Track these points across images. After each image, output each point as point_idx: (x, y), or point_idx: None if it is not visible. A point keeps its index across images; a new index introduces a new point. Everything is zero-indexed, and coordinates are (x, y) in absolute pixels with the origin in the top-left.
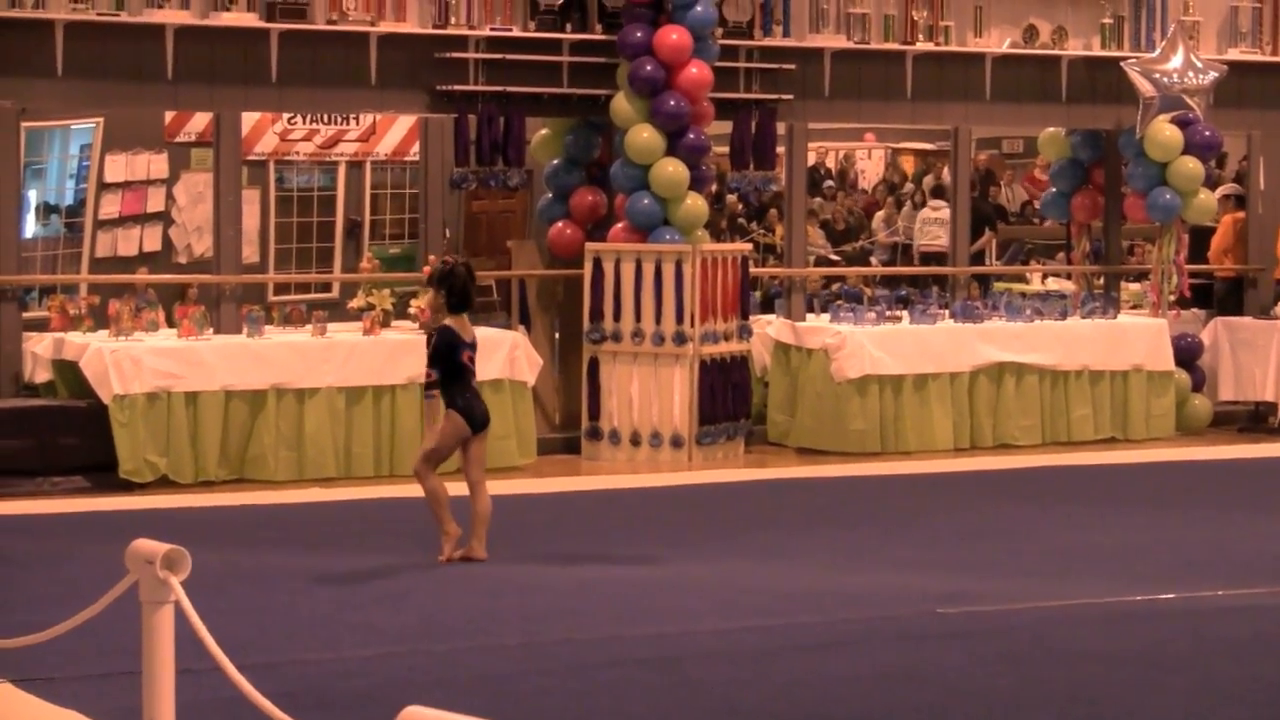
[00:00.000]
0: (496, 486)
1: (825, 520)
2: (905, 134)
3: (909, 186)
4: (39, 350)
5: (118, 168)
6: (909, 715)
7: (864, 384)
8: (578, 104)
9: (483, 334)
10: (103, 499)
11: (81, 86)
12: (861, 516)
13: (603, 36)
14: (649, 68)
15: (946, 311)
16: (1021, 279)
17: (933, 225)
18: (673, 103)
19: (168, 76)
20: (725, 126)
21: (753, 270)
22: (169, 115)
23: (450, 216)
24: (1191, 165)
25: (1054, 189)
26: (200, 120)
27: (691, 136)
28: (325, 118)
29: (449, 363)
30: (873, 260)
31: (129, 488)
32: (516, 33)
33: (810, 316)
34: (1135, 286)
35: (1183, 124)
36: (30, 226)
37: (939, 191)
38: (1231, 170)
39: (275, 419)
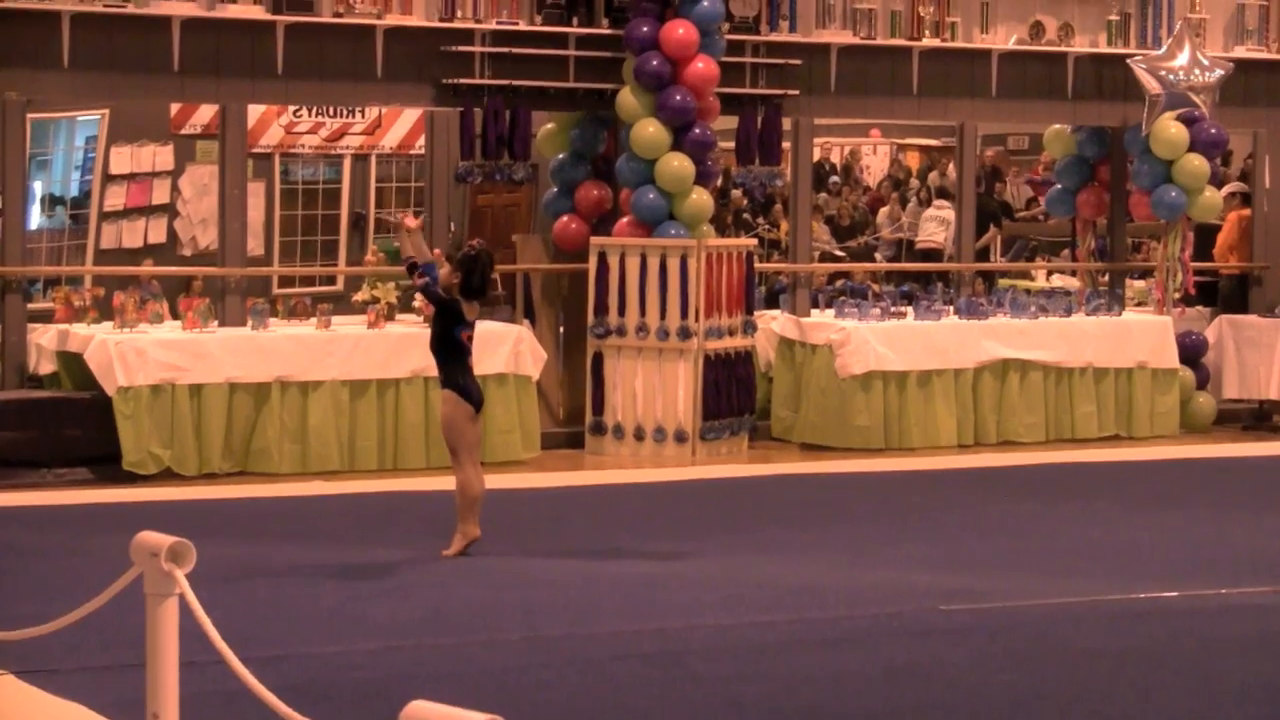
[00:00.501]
0: (500, 480)
1: (829, 516)
2: (910, 130)
3: (914, 183)
4: (44, 342)
5: (123, 160)
6: (912, 711)
7: (868, 380)
8: (583, 98)
9: (487, 327)
10: (107, 491)
11: (87, 78)
12: (865, 513)
13: (609, 31)
14: (655, 62)
15: (951, 308)
16: (1026, 276)
17: (932, 222)
18: (679, 97)
19: (174, 68)
20: (731, 121)
21: (757, 265)
22: (174, 107)
23: (455, 210)
24: (1197, 163)
25: (1059, 186)
26: (206, 112)
27: (697, 131)
28: (331, 110)
29: (446, 338)
30: (877, 256)
31: (133, 480)
32: (523, 26)
33: (815, 312)
34: (1140, 284)
35: (1189, 121)
36: (35, 218)
37: (944, 192)
38: (1237, 168)
39: (279, 412)
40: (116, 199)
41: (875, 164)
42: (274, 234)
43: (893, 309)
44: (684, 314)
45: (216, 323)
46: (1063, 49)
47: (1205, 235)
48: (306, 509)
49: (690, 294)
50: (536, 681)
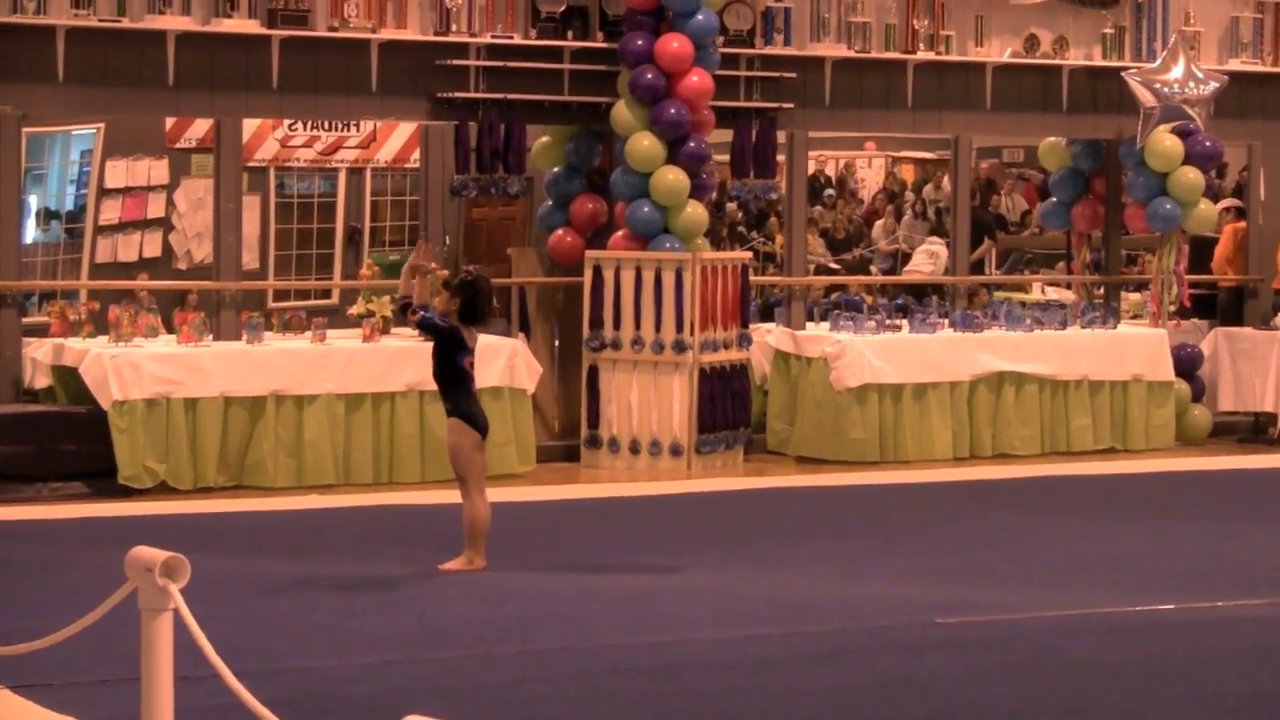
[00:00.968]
0: (496, 494)
1: (824, 529)
2: (905, 143)
3: (909, 195)
4: (39, 356)
5: (118, 173)
6: None
7: (863, 393)
8: (578, 111)
9: (482, 341)
10: (102, 505)
11: (83, 92)
12: (861, 526)
13: (604, 44)
14: (650, 76)
15: (946, 321)
16: (1021, 288)
17: (922, 254)
18: (673, 111)
19: (169, 83)
20: (726, 135)
21: (753, 279)
22: (170, 121)
23: (450, 223)
24: (1192, 175)
25: (1054, 199)
26: (201, 126)
27: (692, 144)
28: (326, 124)
29: (448, 365)
30: (873, 269)
31: (128, 494)
32: (518, 40)
33: (810, 325)
34: (1135, 296)
35: (1183, 134)
36: (30, 232)
37: (938, 231)
38: (1232, 181)
39: (274, 425)
40: (111, 213)
41: (870, 177)
42: (269, 248)
43: (888, 322)
44: (679, 327)
45: (211, 336)
46: (1057, 62)
47: (1200, 248)
48: (302, 523)
49: (685, 307)
50: (532, 696)
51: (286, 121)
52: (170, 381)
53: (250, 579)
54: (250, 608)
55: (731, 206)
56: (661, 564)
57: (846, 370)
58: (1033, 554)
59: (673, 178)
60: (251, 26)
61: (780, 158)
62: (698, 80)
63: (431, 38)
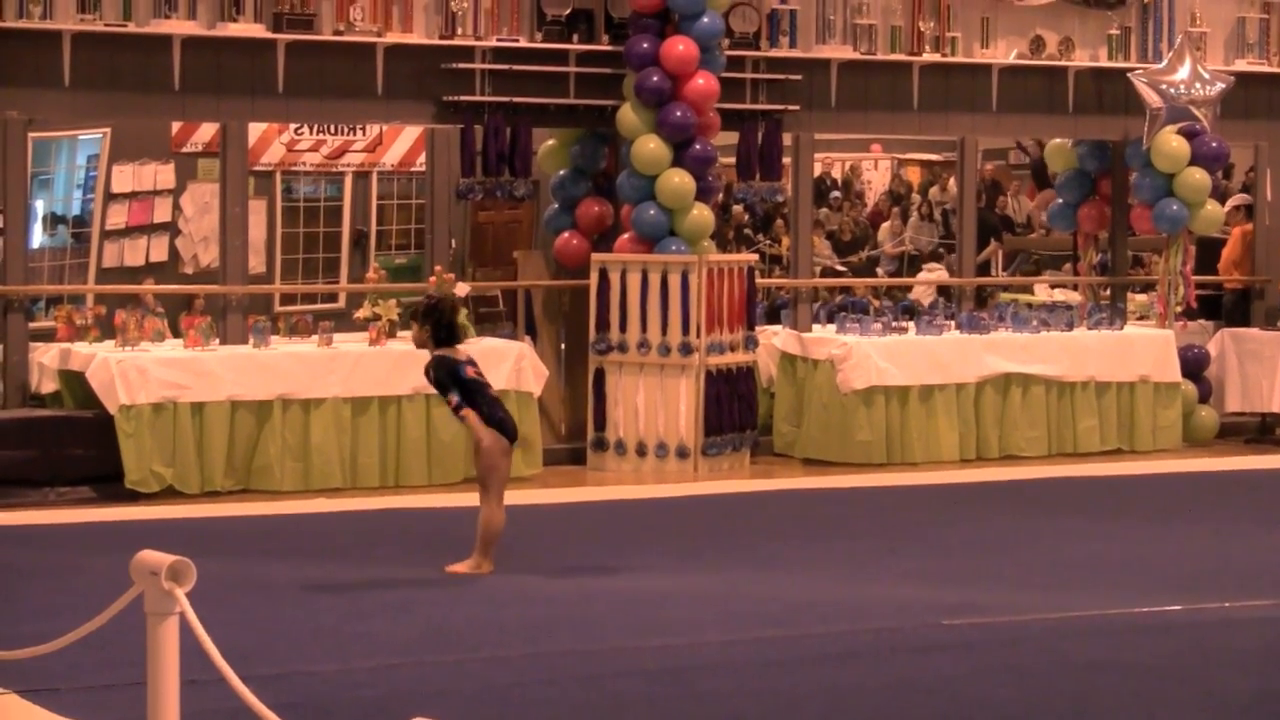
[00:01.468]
0: None
1: (831, 531)
2: (911, 145)
3: (915, 197)
4: (45, 360)
5: (124, 178)
6: None
7: (870, 395)
8: (584, 114)
9: (489, 344)
10: (109, 509)
11: (88, 97)
12: (867, 527)
13: (609, 47)
14: (655, 78)
15: (953, 322)
16: (1028, 290)
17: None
18: (679, 113)
19: (175, 87)
20: (732, 137)
21: (759, 281)
22: (176, 126)
23: (456, 227)
24: (1199, 176)
25: (1061, 200)
26: (207, 131)
27: (698, 147)
28: (332, 128)
29: (461, 387)
30: (879, 271)
31: (135, 498)
32: (523, 43)
33: (816, 327)
34: (1142, 297)
35: (1190, 135)
36: (37, 237)
37: (937, 256)
38: (1239, 181)
39: (281, 429)
40: (118, 217)
41: (876, 179)
42: (275, 252)
43: (894, 324)
44: (685, 330)
45: (218, 341)
46: (1063, 63)
47: (1207, 248)
48: (308, 526)
49: (691, 310)
50: (538, 699)
51: (293, 125)
52: (177, 386)
53: (256, 583)
54: (256, 611)
55: (737, 209)
56: (668, 566)
57: (853, 372)
58: (1040, 555)
59: (679, 180)
60: (257, 30)
61: (786, 160)
62: (703, 83)
63: (437, 41)
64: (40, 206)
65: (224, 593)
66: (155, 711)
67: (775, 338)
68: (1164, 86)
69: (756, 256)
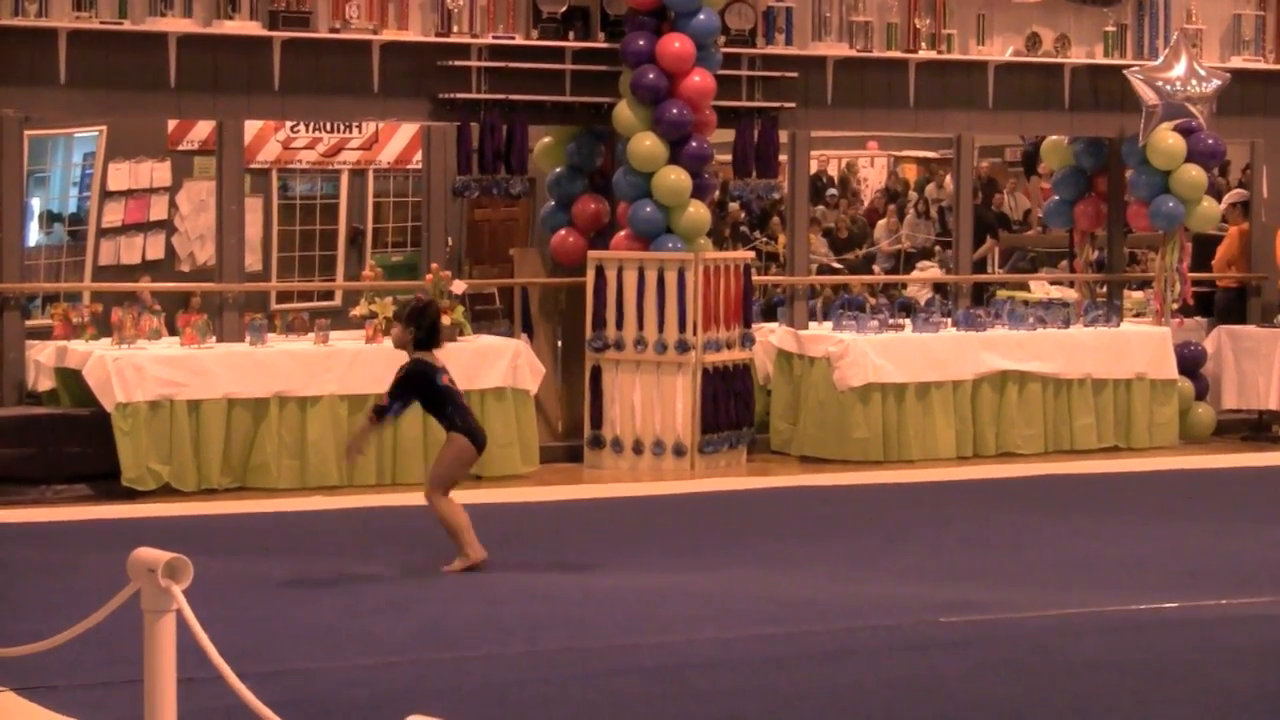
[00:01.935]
0: (499, 494)
1: (828, 529)
2: (908, 142)
3: (911, 195)
4: (42, 358)
5: (121, 176)
6: None
7: (866, 392)
8: (580, 112)
9: (485, 342)
10: (105, 507)
11: (85, 95)
12: (864, 525)
13: (605, 44)
14: (651, 76)
15: (949, 320)
16: (1024, 287)
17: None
18: (675, 111)
19: (171, 85)
20: (728, 134)
21: (755, 278)
22: (172, 123)
23: (453, 224)
24: (1194, 173)
25: (1057, 197)
26: (203, 128)
27: (694, 144)
28: (328, 126)
29: (430, 393)
30: (875, 268)
31: (131, 496)
32: (519, 41)
33: (813, 324)
34: (1138, 295)
35: (1186, 132)
36: (33, 235)
37: (928, 253)
38: (1235, 178)
39: (278, 427)
40: (114, 215)
41: (872, 176)
42: (272, 249)
43: (891, 321)
44: (682, 327)
45: (215, 338)
46: (1059, 60)
47: (1204, 245)
48: (305, 524)
49: (688, 307)
50: (535, 696)
51: (289, 123)
52: (173, 383)
53: (253, 580)
54: (253, 609)
55: (734, 206)
56: (665, 564)
57: (849, 370)
58: (1037, 553)
59: (675, 178)
60: (253, 28)
61: (782, 157)
62: (700, 80)
63: (433, 39)
64: (36, 204)
65: (220, 590)
66: (152, 709)
67: (772, 335)
68: (1160, 83)
69: (753, 254)
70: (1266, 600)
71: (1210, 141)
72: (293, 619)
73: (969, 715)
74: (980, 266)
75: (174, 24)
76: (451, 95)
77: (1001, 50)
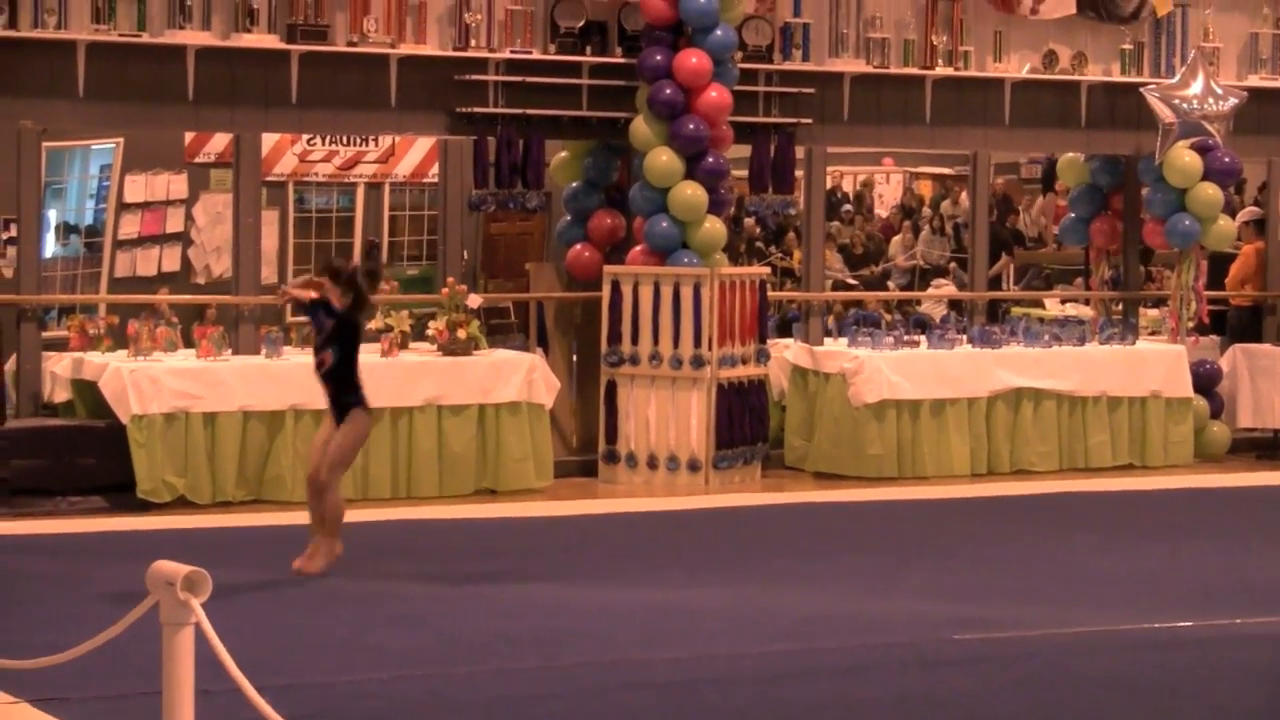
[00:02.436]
0: (514, 509)
1: (842, 545)
2: (924, 158)
3: (926, 211)
4: (58, 370)
5: (137, 188)
6: None
7: (881, 409)
8: (597, 127)
9: (500, 356)
10: (120, 519)
11: (102, 107)
12: (878, 542)
13: (622, 59)
14: (668, 91)
15: (964, 337)
16: (1039, 304)
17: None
18: (692, 126)
19: (188, 97)
20: (744, 150)
21: (770, 294)
22: (189, 136)
23: (469, 238)
24: (1211, 191)
25: (1073, 214)
26: (220, 141)
27: (710, 160)
28: (345, 139)
29: (351, 356)
30: (890, 285)
31: (147, 508)
32: (536, 55)
33: (828, 340)
34: (1154, 313)
35: (1202, 150)
36: (50, 246)
37: (942, 271)
38: (1250, 196)
39: (293, 439)
40: (131, 227)
41: (888, 192)
42: (288, 262)
43: (906, 338)
44: (697, 342)
45: (230, 351)
46: (1076, 78)
47: (1218, 263)
48: None
49: (703, 322)
50: (549, 711)
51: (305, 136)
52: (189, 396)
53: (269, 593)
54: (268, 622)
55: (749, 222)
56: (679, 579)
57: (864, 386)
58: (1050, 570)
59: (691, 193)
60: (271, 41)
61: (798, 173)
62: (716, 95)
63: (450, 53)
64: (53, 216)
65: (235, 603)
66: None
67: (787, 351)
68: (1177, 101)
69: (769, 270)
70: None
71: (1227, 159)
72: (307, 632)
73: None
74: (995, 283)
75: (192, 36)
76: (468, 109)
77: (1018, 67)
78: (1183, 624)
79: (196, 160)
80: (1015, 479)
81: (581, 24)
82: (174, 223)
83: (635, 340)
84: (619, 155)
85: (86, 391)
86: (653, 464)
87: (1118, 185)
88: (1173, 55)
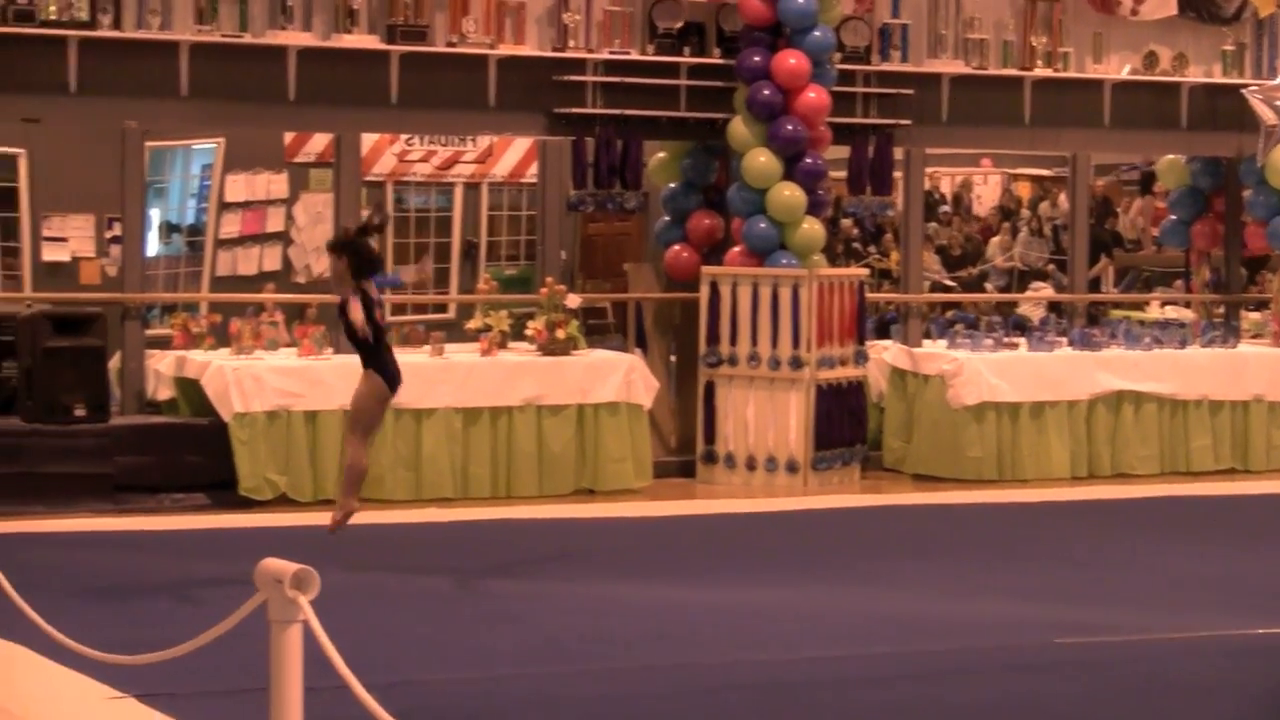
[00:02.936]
0: (612, 509)
1: (941, 547)
2: (1022, 159)
3: (1025, 213)
4: (162, 368)
5: (238, 187)
6: None
7: (981, 411)
8: (695, 127)
9: (599, 356)
10: (222, 516)
11: (205, 107)
12: (977, 544)
13: (721, 60)
14: (767, 92)
15: (1064, 339)
16: (1139, 307)
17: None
18: (790, 127)
19: (289, 97)
20: (842, 151)
21: (868, 295)
22: (289, 135)
23: (566, 239)
24: None
25: (1174, 217)
26: (320, 141)
27: (809, 161)
28: (443, 139)
29: (365, 324)
30: (988, 286)
31: (248, 505)
32: (635, 56)
33: (927, 342)
34: (1256, 315)
35: None
36: (153, 245)
37: (1041, 275)
38: None
39: (393, 439)
40: (232, 226)
41: (986, 193)
42: (387, 262)
43: (1005, 340)
44: (795, 343)
45: (331, 350)
46: (1177, 79)
47: None
48: (420, 536)
49: (802, 323)
50: (648, 711)
51: (404, 136)
52: (291, 394)
53: (368, 591)
54: (368, 620)
55: (847, 223)
56: (776, 581)
57: (964, 388)
58: (1152, 574)
59: (789, 194)
60: (371, 42)
61: (897, 174)
62: (815, 96)
63: (549, 53)
64: (156, 215)
65: (336, 601)
66: (278, 718)
67: (885, 352)
68: (1278, 103)
69: (867, 271)
70: None
71: None
72: (406, 630)
73: None
74: (1094, 286)
75: (294, 37)
76: (567, 110)
77: (1118, 69)
78: None
79: (296, 160)
80: (1115, 482)
81: (680, 25)
82: (274, 222)
83: (734, 341)
84: (717, 156)
85: (190, 389)
86: (751, 465)
87: (1219, 187)
88: (1275, 56)
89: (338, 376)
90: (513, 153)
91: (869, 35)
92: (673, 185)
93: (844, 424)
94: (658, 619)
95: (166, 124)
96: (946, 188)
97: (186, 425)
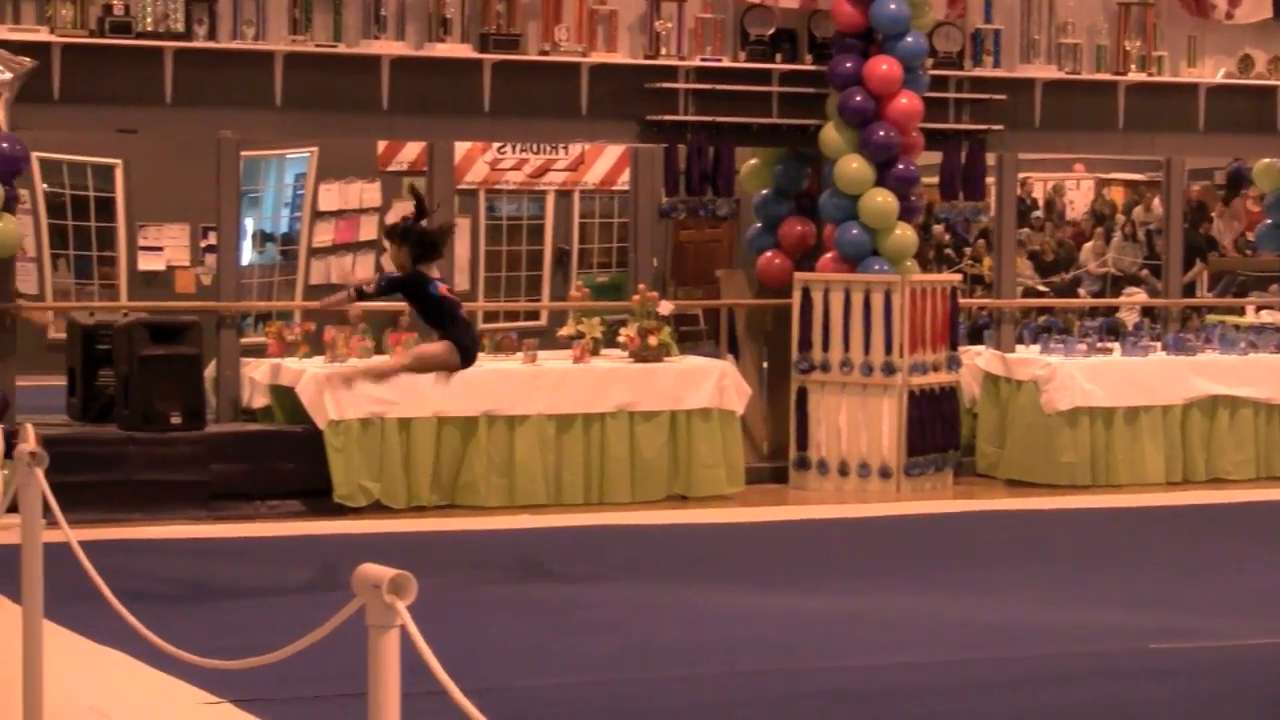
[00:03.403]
0: (705, 515)
1: (1034, 553)
2: (1115, 164)
3: (1119, 217)
4: (256, 376)
5: (331, 196)
6: None
7: (1074, 416)
8: (787, 134)
9: (691, 363)
10: (317, 523)
11: (299, 117)
12: (1071, 550)
13: (812, 67)
14: (859, 98)
15: (1159, 344)
16: (1235, 311)
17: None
18: (882, 133)
19: (382, 106)
20: (934, 157)
21: (961, 301)
22: (381, 145)
23: (658, 246)
24: None
25: (1270, 221)
26: (412, 150)
27: (901, 167)
28: (535, 147)
29: (421, 298)
30: (1082, 291)
31: (343, 512)
32: (726, 63)
33: (1019, 348)
34: None
35: None
36: (247, 254)
37: (1135, 280)
38: None
39: (486, 446)
40: (325, 235)
41: (1079, 198)
42: (479, 270)
43: (1099, 344)
44: (888, 349)
45: None
46: (1272, 83)
47: None
48: (513, 542)
49: (894, 329)
50: (736, 719)
51: (496, 145)
52: (384, 401)
53: (462, 597)
54: (461, 626)
55: (938, 228)
56: (869, 587)
57: (1057, 393)
58: (1247, 580)
59: (881, 200)
60: (464, 51)
61: (989, 180)
62: (907, 102)
63: (641, 61)
64: (250, 224)
65: (430, 607)
66: None
67: (978, 358)
68: None
69: (960, 277)
70: None
71: None
72: (501, 636)
73: None
74: (1189, 290)
75: (387, 46)
76: (659, 117)
77: (1213, 72)
78: None
79: (389, 169)
80: (1211, 487)
81: (771, 31)
82: (367, 230)
83: (826, 347)
84: (809, 162)
85: (284, 397)
86: (844, 471)
87: None
88: None
89: (430, 384)
90: (604, 160)
91: (961, 40)
92: (764, 192)
93: (937, 430)
94: (749, 625)
95: (261, 134)
96: (1039, 193)
97: (281, 433)
